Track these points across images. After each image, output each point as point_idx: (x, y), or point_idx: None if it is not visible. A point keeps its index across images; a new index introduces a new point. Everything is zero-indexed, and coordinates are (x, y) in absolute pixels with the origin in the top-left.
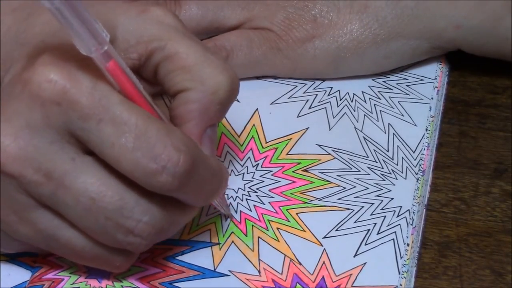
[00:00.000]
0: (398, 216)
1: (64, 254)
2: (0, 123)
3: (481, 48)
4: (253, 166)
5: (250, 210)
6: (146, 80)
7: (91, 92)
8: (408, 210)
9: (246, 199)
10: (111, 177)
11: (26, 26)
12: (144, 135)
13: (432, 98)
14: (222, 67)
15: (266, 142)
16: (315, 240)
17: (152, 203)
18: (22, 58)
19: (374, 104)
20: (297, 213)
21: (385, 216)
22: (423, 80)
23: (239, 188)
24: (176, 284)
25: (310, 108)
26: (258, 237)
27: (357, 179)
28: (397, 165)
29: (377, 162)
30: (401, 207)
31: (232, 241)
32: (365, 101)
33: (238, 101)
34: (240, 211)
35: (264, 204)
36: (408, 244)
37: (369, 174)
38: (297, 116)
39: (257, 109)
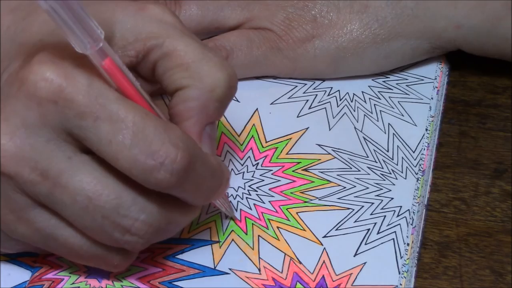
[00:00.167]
0: (398, 216)
1: (62, 254)
2: None
3: (481, 48)
4: (253, 165)
5: (250, 209)
6: (144, 78)
7: (87, 90)
8: (408, 210)
9: (246, 197)
10: (108, 175)
11: (25, 25)
12: (142, 132)
13: (432, 98)
14: (220, 64)
15: (266, 142)
16: (315, 239)
17: (149, 202)
18: (19, 57)
19: (374, 104)
20: (297, 212)
21: (385, 216)
22: (423, 80)
23: (239, 186)
24: (176, 283)
25: (310, 108)
26: (258, 236)
27: (357, 178)
28: (397, 165)
29: (377, 162)
30: (401, 207)
31: (232, 239)
32: (365, 101)
33: (238, 101)
34: (240, 209)
35: (264, 203)
36: (408, 244)
37: (369, 174)
38: (297, 116)
39: (257, 109)
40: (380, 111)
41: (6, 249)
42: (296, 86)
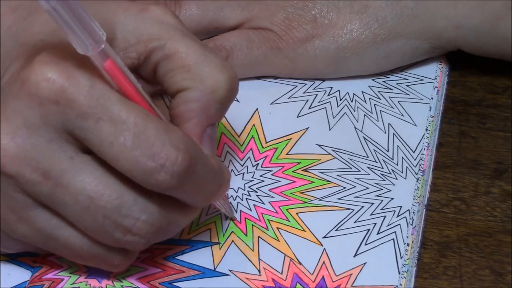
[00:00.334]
0: (398, 216)
1: (63, 254)
2: None
3: (481, 48)
4: (253, 166)
5: (250, 210)
6: (146, 80)
7: (89, 90)
8: (408, 210)
9: (246, 198)
10: (109, 175)
11: (26, 25)
12: (143, 134)
13: (432, 98)
14: (222, 66)
15: (266, 142)
16: (315, 240)
17: (150, 202)
18: (21, 57)
19: (374, 104)
20: (297, 213)
21: (385, 216)
22: (423, 80)
23: (239, 187)
24: (176, 284)
25: (310, 108)
26: (258, 237)
27: (357, 179)
28: (397, 165)
29: (377, 162)
30: (401, 207)
31: (232, 241)
32: (365, 101)
33: (238, 101)
34: (240, 210)
35: (264, 203)
36: (408, 244)
37: (369, 174)
38: (297, 116)
39: (257, 109)
40: (380, 111)
41: (6, 249)
42: (296, 86)
